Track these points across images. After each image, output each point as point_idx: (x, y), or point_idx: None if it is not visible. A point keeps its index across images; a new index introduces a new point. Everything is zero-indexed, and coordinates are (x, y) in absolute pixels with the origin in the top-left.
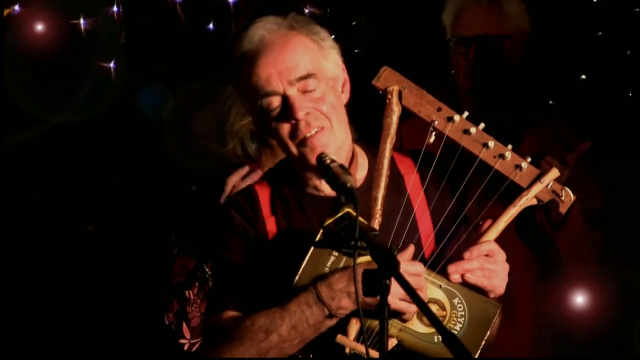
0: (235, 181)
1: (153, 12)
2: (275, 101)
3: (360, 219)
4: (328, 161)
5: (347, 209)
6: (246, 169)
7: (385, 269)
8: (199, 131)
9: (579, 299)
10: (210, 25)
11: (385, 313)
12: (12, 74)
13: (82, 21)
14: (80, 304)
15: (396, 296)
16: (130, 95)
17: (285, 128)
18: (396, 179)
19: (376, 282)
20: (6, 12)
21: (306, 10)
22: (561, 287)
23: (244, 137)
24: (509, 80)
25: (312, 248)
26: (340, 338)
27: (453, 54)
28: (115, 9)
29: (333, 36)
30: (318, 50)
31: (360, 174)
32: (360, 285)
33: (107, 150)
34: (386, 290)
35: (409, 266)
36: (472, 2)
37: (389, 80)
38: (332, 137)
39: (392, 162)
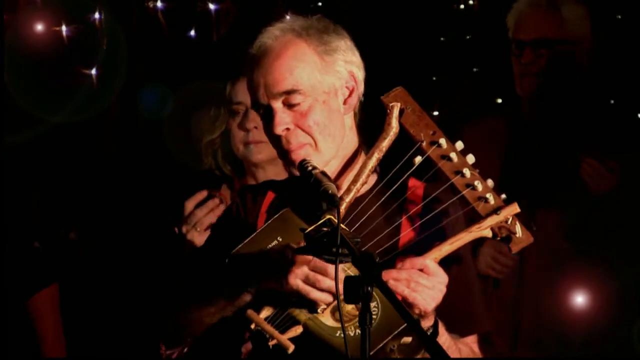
0: (191, 205)
1: (134, 19)
2: (262, 110)
3: (342, 225)
4: (310, 168)
5: (328, 216)
6: (204, 193)
7: (367, 276)
8: (198, 132)
9: (579, 299)
10: (192, 33)
11: (367, 319)
12: (12, 74)
13: (64, 28)
14: (68, 306)
15: (298, 276)
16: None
17: (272, 137)
18: (399, 198)
19: (358, 288)
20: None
21: (287, 17)
22: (561, 287)
23: (216, 153)
24: (568, 87)
25: (262, 227)
26: (250, 312)
27: (512, 57)
28: (97, 15)
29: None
30: (317, 62)
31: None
32: (340, 286)
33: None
34: (368, 297)
35: None
36: (531, 5)
37: (397, 99)
38: (317, 155)
39: (405, 185)
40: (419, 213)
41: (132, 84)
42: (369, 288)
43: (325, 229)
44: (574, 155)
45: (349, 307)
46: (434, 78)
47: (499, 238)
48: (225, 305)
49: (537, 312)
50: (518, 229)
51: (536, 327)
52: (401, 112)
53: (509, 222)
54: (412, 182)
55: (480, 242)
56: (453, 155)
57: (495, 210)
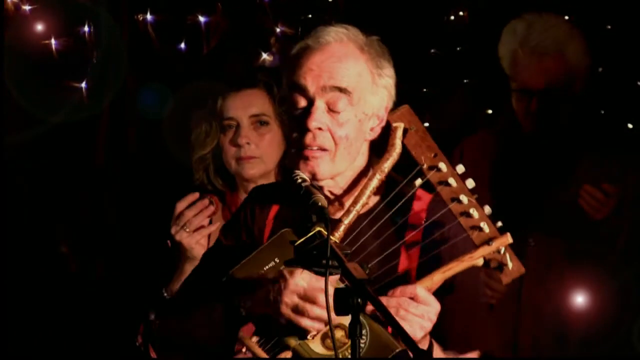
0: (182, 206)
1: (124, 32)
2: (302, 101)
3: (332, 237)
4: (299, 180)
5: (318, 228)
6: (196, 195)
7: (357, 288)
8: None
9: (579, 299)
10: (182, 45)
11: (357, 331)
12: (12, 74)
13: (53, 41)
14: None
15: (289, 306)
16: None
17: (296, 131)
18: (404, 211)
19: (347, 300)
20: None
21: (277, 29)
22: (561, 287)
23: (207, 168)
24: (569, 114)
25: (262, 247)
26: (242, 335)
27: (515, 100)
28: (86, 29)
29: None
30: (369, 81)
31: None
32: (331, 301)
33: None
34: (358, 308)
35: (298, 279)
36: (535, 52)
37: (403, 118)
38: (330, 165)
39: (411, 198)
40: (420, 237)
41: (124, 92)
42: (359, 300)
43: (314, 241)
44: (572, 179)
45: (339, 335)
46: (425, 90)
47: (491, 267)
48: (217, 323)
49: (536, 317)
50: (509, 260)
51: (535, 330)
52: (405, 131)
53: (501, 253)
54: (417, 206)
55: None
56: (451, 180)
57: (488, 241)
